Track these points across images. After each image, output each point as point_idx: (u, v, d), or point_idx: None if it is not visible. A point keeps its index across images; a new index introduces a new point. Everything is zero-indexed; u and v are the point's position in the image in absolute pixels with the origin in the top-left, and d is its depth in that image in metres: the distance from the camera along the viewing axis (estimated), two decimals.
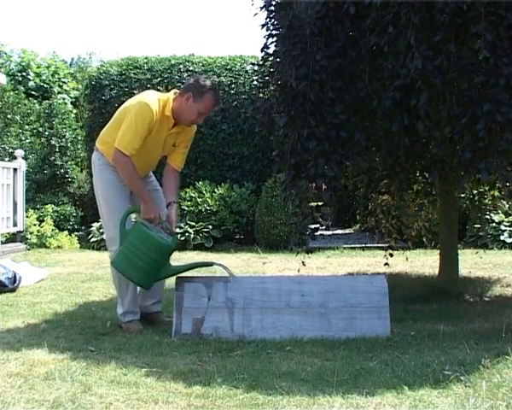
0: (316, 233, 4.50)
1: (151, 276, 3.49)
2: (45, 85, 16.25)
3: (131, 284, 3.63)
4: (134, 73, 10.04)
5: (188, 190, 8.98)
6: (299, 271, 4.66)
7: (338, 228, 11.40)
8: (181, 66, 10.04)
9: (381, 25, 3.55)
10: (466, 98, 3.47)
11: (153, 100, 3.56)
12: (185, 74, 9.94)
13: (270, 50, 4.32)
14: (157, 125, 3.56)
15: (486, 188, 5.47)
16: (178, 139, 3.73)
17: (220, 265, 3.65)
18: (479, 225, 8.08)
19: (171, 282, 3.92)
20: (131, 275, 3.47)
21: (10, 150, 10.57)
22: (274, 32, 4.20)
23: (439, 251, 5.24)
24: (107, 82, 10.02)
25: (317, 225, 4.84)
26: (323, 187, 3.91)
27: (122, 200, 3.66)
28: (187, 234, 8.29)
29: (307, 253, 4.60)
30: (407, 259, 6.06)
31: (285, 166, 3.92)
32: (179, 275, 3.64)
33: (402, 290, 4.68)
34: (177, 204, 3.71)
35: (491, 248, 8.03)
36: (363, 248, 8.35)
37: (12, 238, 8.65)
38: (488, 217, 8.06)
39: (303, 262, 4.60)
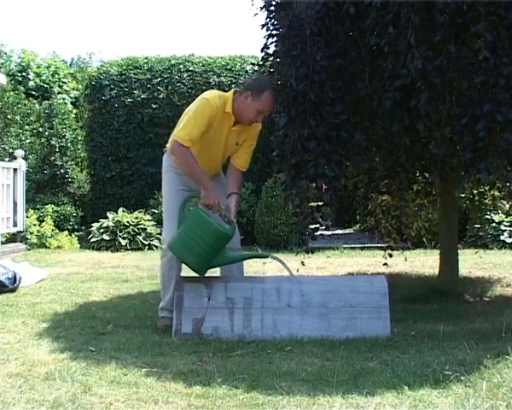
0: (316, 233, 4.50)
1: (206, 261, 3.47)
2: (45, 85, 16.24)
3: (174, 284, 3.63)
4: (134, 73, 10.05)
5: None
6: (298, 271, 4.66)
7: (338, 228, 11.41)
8: (181, 66, 10.05)
9: (381, 25, 3.55)
10: (466, 98, 3.47)
11: (213, 96, 3.63)
12: (185, 74, 9.96)
13: (270, 50, 4.32)
14: (217, 121, 3.59)
15: (486, 188, 5.47)
16: (241, 138, 3.71)
17: (276, 258, 3.61)
18: (479, 225, 8.09)
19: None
20: (187, 259, 3.46)
21: (10, 150, 10.57)
22: (274, 32, 4.20)
23: (439, 251, 5.24)
24: (107, 82, 10.03)
25: (317, 225, 4.84)
26: (323, 187, 3.91)
27: (175, 208, 3.66)
28: None
29: (307, 253, 4.59)
30: (406, 259, 6.07)
31: (285, 166, 3.92)
32: (176, 277, 3.65)
33: (402, 290, 4.68)
34: (237, 196, 3.68)
35: (491, 248, 8.04)
36: (362, 249, 8.36)
37: (12, 238, 8.65)
38: (488, 217, 8.07)
39: (302, 262, 4.59)
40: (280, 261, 3.58)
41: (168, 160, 3.80)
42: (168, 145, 3.78)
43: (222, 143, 3.68)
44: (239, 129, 3.68)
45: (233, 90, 3.72)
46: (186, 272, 3.74)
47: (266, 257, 3.71)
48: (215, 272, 4.43)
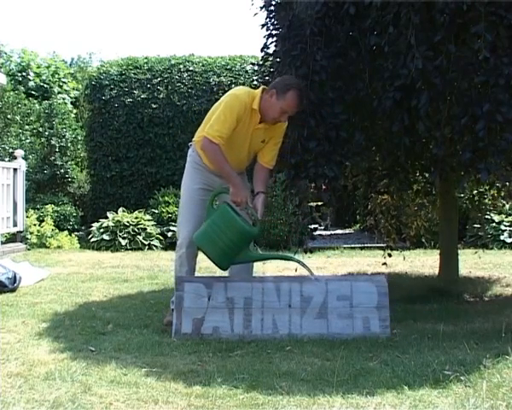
0: (314, 233, 4.50)
1: (228, 257, 3.49)
2: (45, 85, 16.25)
3: None
4: (134, 73, 10.05)
5: None
6: (296, 270, 4.66)
7: (338, 228, 11.41)
8: (181, 66, 10.05)
9: (382, 25, 3.55)
10: (466, 98, 3.47)
11: (242, 92, 3.64)
12: (185, 74, 9.96)
13: (270, 50, 4.32)
14: (245, 117, 3.58)
15: (486, 188, 5.47)
16: (267, 135, 3.69)
17: (299, 261, 3.59)
18: (478, 225, 8.09)
19: (170, 282, 3.92)
20: (209, 252, 3.48)
21: (10, 150, 10.57)
22: (274, 32, 4.20)
23: (439, 251, 5.24)
24: (107, 82, 10.03)
25: (316, 225, 4.84)
26: (323, 187, 3.92)
27: (191, 205, 3.70)
28: None
29: (305, 252, 4.60)
30: (404, 258, 6.07)
31: (285, 166, 3.93)
32: (179, 276, 3.65)
33: (402, 290, 4.68)
34: (264, 195, 3.66)
35: (491, 248, 8.04)
36: (362, 248, 8.36)
37: (12, 238, 8.65)
38: (488, 217, 8.07)
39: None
40: (301, 263, 3.56)
41: (193, 155, 3.80)
42: (195, 139, 3.78)
43: (247, 140, 3.67)
44: (265, 127, 3.65)
45: (262, 87, 3.70)
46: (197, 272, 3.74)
47: (289, 260, 3.70)
48: (215, 272, 4.42)
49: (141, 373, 2.75)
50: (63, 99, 15.01)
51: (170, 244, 8.39)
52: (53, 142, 10.69)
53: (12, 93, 12.93)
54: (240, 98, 3.57)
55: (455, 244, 5.08)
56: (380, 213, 5.49)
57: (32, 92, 15.57)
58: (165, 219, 8.99)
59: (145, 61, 10.25)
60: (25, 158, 9.45)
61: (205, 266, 5.70)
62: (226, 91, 3.83)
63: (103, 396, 2.46)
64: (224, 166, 3.56)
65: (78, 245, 8.95)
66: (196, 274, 3.94)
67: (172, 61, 10.14)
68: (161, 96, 9.87)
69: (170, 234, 8.68)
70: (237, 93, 3.63)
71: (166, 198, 9.18)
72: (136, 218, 8.88)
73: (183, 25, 42.75)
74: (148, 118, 9.87)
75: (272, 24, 4.22)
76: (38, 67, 16.73)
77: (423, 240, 8.06)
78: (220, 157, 3.55)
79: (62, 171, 10.69)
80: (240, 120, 3.57)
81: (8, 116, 11.92)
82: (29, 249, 8.41)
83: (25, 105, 12.74)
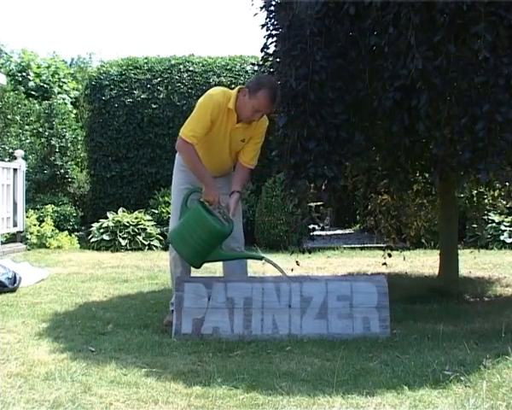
0: (312, 233, 4.51)
1: (200, 256, 3.52)
2: (45, 85, 16.25)
3: None
4: (134, 73, 10.05)
5: None
6: (292, 270, 4.67)
7: (338, 228, 11.41)
8: (181, 66, 10.05)
9: (382, 25, 3.55)
10: (466, 98, 3.47)
11: (217, 92, 3.67)
12: (185, 74, 9.96)
13: (270, 50, 4.32)
14: (221, 117, 3.61)
15: (486, 188, 5.47)
16: (247, 135, 3.72)
17: (270, 261, 3.62)
18: (476, 226, 8.09)
19: (170, 282, 3.92)
20: (182, 251, 3.54)
21: (10, 150, 10.57)
22: (274, 32, 4.20)
23: (438, 251, 5.24)
24: (107, 82, 10.03)
25: (315, 226, 4.85)
26: (323, 187, 3.91)
27: (179, 205, 3.70)
28: None
29: (303, 253, 4.60)
30: (404, 258, 6.07)
31: (285, 166, 3.92)
32: (179, 276, 3.65)
33: (402, 290, 4.69)
34: (240, 195, 3.69)
35: (491, 248, 8.04)
36: (362, 249, 8.36)
37: (12, 238, 8.65)
38: (488, 217, 8.07)
39: (297, 262, 4.60)
40: (273, 264, 3.59)
41: (178, 157, 3.86)
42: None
43: (227, 140, 3.69)
44: (243, 126, 3.68)
45: (238, 87, 3.73)
46: (194, 272, 3.74)
47: (260, 259, 3.73)
48: (215, 272, 4.43)
49: (141, 373, 2.75)
50: (63, 99, 15.02)
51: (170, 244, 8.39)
52: (53, 142, 10.68)
53: (12, 93, 12.94)
54: (213, 98, 3.61)
55: (455, 244, 5.08)
56: (380, 214, 5.49)
57: (32, 92, 15.57)
58: (165, 219, 8.98)
59: (145, 61, 10.25)
60: (25, 158, 9.45)
61: (205, 266, 5.71)
62: None
63: (103, 396, 2.46)
64: (197, 165, 3.61)
65: (78, 245, 8.95)
66: (196, 274, 3.94)
67: (172, 62, 10.14)
68: (161, 96, 9.87)
69: None
70: (212, 93, 3.66)
71: (166, 198, 9.17)
72: (136, 218, 8.88)
73: (183, 25, 42.78)
74: (148, 118, 9.87)
75: (272, 24, 4.22)
76: (38, 67, 16.73)
77: (423, 240, 8.06)
78: (194, 157, 3.59)
79: (62, 171, 10.69)
80: (216, 119, 3.60)
81: (8, 116, 11.93)
82: (29, 250, 8.41)
83: (25, 105, 12.74)
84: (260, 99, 3.55)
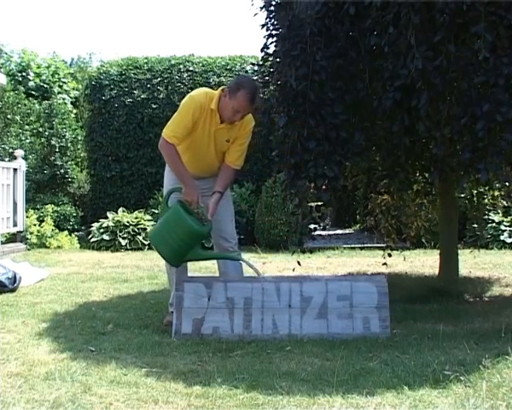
0: (312, 233, 4.50)
1: (179, 255, 3.54)
2: (45, 85, 16.24)
3: (175, 281, 3.69)
4: (134, 73, 10.05)
5: None
6: (294, 270, 4.66)
7: (338, 228, 11.41)
8: (181, 66, 10.05)
9: (382, 25, 3.55)
10: (466, 98, 3.47)
11: (199, 93, 3.70)
12: (185, 74, 9.96)
13: (270, 50, 4.32)
14: (204, 118, 3.64)
15: (486, 188, 5.46)
16: (231, 135, 3.73)
17: (247, 262, 3.65)
18: (476, 225, 8.09)
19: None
20: (161, 250, 3.56)
21: (10, 150, 10.57)
22: (274, 32, 4.19)
23: (439, 251, 5.24)
24: (107, 82, 10.03)
25: (315, 226, 4.85)
26: (323, 187, 3.91)
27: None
28: None
29: (303, 253, 4.60)
30: (404, 258, 6.07)
31: (285, 166, 3.92)
32: (178, 275, 3.65)
33: (402, 290, 4.69)
34: (220, 195, 3.69)
35: (491, 248, 8.04)
36: (362, 249, 8.35)
37: (12, 238, 8.65)
38: (488, 217, 8.06)
39: (298, 262, 4.60)
40: (249, 264, 3.63)
41: None
42: None
43: (211, 140, 3.71)
44: (227, 126, 3.69)
45: (221, 87, 3.74)
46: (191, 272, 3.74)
47: (238, 260, 3.75)
48: (215, 272, 4.42)
49: (141, 373, 2.75)
50: (63, 99, 15.01)
51: None
52: (53, 142, 10.68)
53: (12, 93, 12.93)
54: (195, 99, 3.64)
55: (455, 244, 5.08)
56: (380, 214, 5.48)
57: (32, 92, 15.56)
58: None
59: (145, 61, 10.25)
60: (25, 158, 9.45)
61: (205, 265, 5.71)
62: None
63: (103, 396, 2.46)
64: (177, 164, 3.65)
65: (78, 245, 8.95)
66: (196, 274, 3.94)
67: (172, 61, 10.14)
68: (161, 96, 9.87)
69: None
70: (193, 94, 3.70)
71: None
72: (136, 218, 8.88)
73: (183, 25, 42.77)
74: (148, 118, 9.87)
75: (272, 24, 4.22)
76: (38, 67, 16.72)
77: (423, 240, 8.06)
78: (174, 157, 3.63)
79: (62, 171, 10.69)
80: (198, 120, 3.63)
81: (8, 116, 11.92)
82: (29, 249, 8.41)
83: (25, 105, 12.73)
84: (239, 100, 3.57)
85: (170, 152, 3.63)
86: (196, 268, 5.68)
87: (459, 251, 5.25)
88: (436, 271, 5.47)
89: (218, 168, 3.85)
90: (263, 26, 4.25)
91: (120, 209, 9.19)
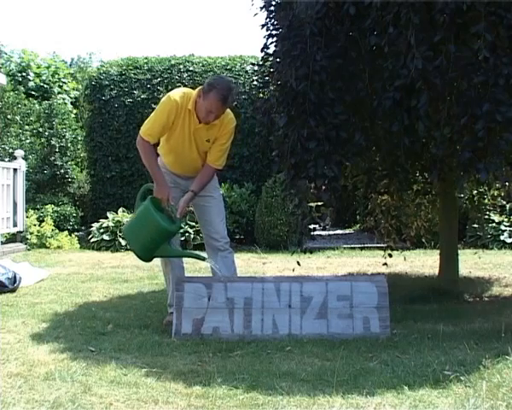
0: (312, 233, 4.50)
1: (148, 251, 3.57)
2: (45, 86, 16.24)
3: (171, 280, 3.76)
4: (134, 73, 10.05)
5: None
6: (293, 270, 4.66)
7: (338, 228, 11.41)
8: (181, 66, 10.04)
9: (382, 25, 3.55)
10: (465, 98, 3.47)
11: (176, 93, 3.72)
12: (185, 74, 9.96)
13: (270, 50, 4.32)
14: (182, 117, 3.66)
15: (486, 188, 5.47)
16: (211, 135, 3.74)
17: (211, 262, 3.68)
18: (477, 226, 8.09)
19: None
20: (132, 245, 3.65)
21: (10, 150, 10.57)
22: (274, 33, 4.19)
23: (439, 251, 5.24)
24: (107, 82, 10.03)
25: (315, 226, 4.85)
26: (323, 187, 3.91)
27: None
28: (187, 234, 8.29)
29: (304, 253, 4.60)
30: (405, 258, 6.08)
31: (285, 166, 3.93)
32: (176, 275, 3.66)
33: (402, 290, 4.68)
34: (194, 194, 3.71)
35: (491, 248, 8.04)
36: (362, 249, 8.36)
37: (12, 238, 8.65)
38: (488, 217, 8.07)
39: (298, 262, 4.60)
40: (212, 264, 3.65)
41: (159, 158, 3.90)
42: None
43: (192, 140, 3.73)
44: (206, 126, 3.70)
45: (198, 88, 3.75)
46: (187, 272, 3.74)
47: (203, 259, 3.76)
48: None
49: (141, 373, 2.75)
50: (63, 99, 14.99)
51: None
52: (53, 142, 10.68)
53: (12, 93, 12.92)
54: (171, 99, 3.67)
55: (455, 244, 5.08)
56: (380, 214, 5.48)
57: (32, 92, 15.56)
58: None
59: (145, 61, 10.24)
60: (25, 158, 9.45)
61: (205, 265, 5.71)
62: None
63: (103, 396, 2.46)
64: (150, 161, 3.70)
65: (78, 245, 8.94)
66: (196, 274, 3.94)
67: (172, 62, 10.13)
68: (161, 96, 9.84)
69: None
70: (171, 94, 3.72)
71: None
72: None
73: (183, 25, 42.76)
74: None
75: (272, 24, 4.22)
76: (38, 68, 16.71)
77: (423, 240, 8.05)
78: (148, 154, 3.69)
79: (62, 171, 10.68)
80: (176, 120, 3.66)
81: (8, 116, 11.92)
82: (29, 250, 8.41)
83: (25, 105, 12.73)
84: (211, 100, 3.58)
85: (144, 149, 3.69)
86: (196, 268, 5.69)
87: (459, 251, 5.25)
88: (436, 271, 5.47)
89: (197, 170, 3.86)
90: (263, 26, 4.25)
91: (120, 209, 9.18)
